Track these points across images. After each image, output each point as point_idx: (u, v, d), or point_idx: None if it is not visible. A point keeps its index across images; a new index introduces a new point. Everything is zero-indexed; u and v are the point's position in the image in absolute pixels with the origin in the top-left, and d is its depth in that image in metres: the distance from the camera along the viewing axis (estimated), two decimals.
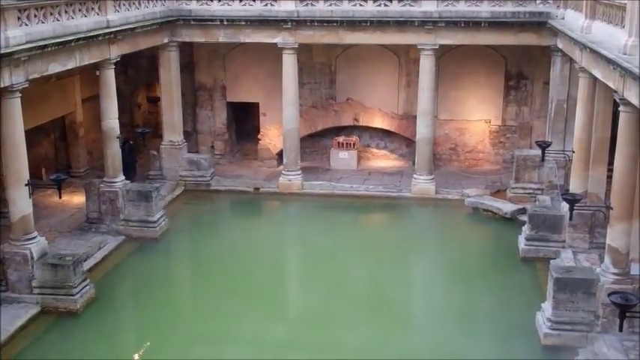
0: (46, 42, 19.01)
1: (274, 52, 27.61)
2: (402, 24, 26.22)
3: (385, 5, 26.28)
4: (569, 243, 21.60)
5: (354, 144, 30.68)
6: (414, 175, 27.88)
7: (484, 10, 25.73)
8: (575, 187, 21.58)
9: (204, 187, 28.77)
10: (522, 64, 29.30)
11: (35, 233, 19.40)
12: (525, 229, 22.70)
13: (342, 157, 30.56)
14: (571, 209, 18.92)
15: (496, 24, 25.70)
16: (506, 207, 25.78)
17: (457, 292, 20.57)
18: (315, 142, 31.54)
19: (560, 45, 24.67)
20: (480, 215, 26.18)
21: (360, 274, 21.99)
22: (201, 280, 22.35)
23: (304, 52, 28.75)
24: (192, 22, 27.60)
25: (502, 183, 28.14)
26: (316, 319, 19.41)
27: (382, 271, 22.34)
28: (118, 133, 24.10)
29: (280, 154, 29.84)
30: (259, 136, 31.43)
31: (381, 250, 24.23)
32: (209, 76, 31.52)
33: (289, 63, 27.37)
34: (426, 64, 26.74)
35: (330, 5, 26.59)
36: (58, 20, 19.95)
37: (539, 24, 25.46)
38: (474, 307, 19.67)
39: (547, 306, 17.78)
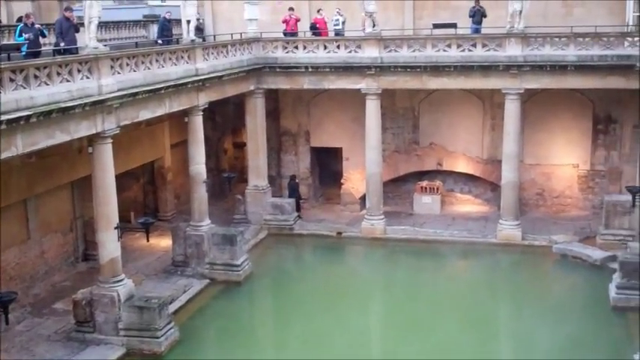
0: (137, 89, 19.72)
1: (357, 98, 27.80)
2: (487, 68, 26.02)
3: (469, 50, 26.15)
4: None
5: (437, 189, 30.39)
6: (500, 221, 27.35)
7: (570, 53, 25.22)
8: None
9: (288, 231, 28.96)
10: (611, 108, 28.48)
11: (123, 276, 19.87)
12: (616, 278, 21.93)
13: (426, 202, 30.28)
14: None
15: (583, 67, 25.14)
16: (596, 254, 24.99)
17: (546, 341, 19.92)
18: (397, 187, 31.38)
19: None
20: (568, 262, 25.46)
21: (445, 322, 21.58)
22: (284, 326, 22.34)
23: (387, 96, 28.81)
24: (278, 70, 28.16)
25: (591, 229, 27.28)
26: None
27: (469, 317, 21.88)
28: (205, 177, 24.62)
29: (363, 199, 29.80)
30: (342, 181, 31.54)
31: (467, 297, 23.71)
32: (293, 121, 31.98)
33: (372, 108, 27.49)
34: (511, 108, 26.35)
35: (414, 51, 26.66)
36: (149, 68, 20.66)
37: (627, 67, 24.71)
38: (564, 355, 19.02)
39: (639, 358, 17.11)
